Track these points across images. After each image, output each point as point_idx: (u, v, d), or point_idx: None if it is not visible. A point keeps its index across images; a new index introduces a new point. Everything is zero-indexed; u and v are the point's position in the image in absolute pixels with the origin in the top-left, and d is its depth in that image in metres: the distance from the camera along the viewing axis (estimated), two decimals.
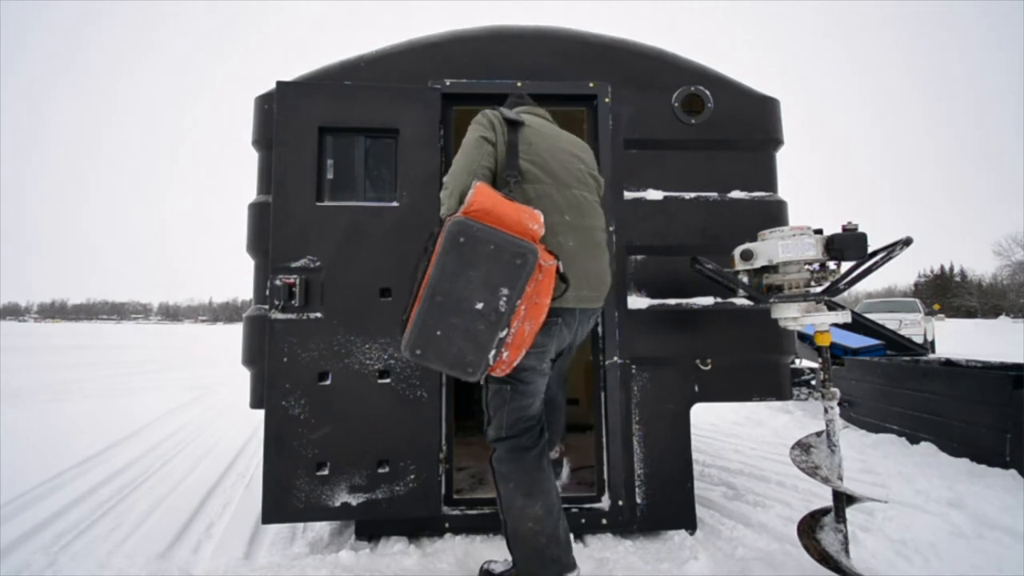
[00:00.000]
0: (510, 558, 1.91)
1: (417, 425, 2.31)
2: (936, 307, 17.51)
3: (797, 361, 6.43)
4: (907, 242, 1.97)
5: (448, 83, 2.55)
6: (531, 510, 1.78)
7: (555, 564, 1.76)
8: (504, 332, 1.55)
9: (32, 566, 2.21)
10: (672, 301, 2.54)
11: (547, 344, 1.80)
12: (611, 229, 2.54)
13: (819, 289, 2.05)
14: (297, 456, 2.23)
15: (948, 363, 4.58)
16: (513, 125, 1.83)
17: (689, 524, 2.48)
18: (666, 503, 2.47)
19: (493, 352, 1.55)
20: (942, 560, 2.16)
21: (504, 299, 1.53)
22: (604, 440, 2.51)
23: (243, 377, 2.65)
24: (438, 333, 1.54)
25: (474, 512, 2.46)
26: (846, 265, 2.07)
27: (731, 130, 2.63)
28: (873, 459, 3.66)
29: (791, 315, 2.04)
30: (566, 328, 1.85)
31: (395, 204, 2.40)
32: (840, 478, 1.97)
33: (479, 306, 1.53)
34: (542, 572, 1.77)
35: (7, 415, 5.46)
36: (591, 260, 1.87)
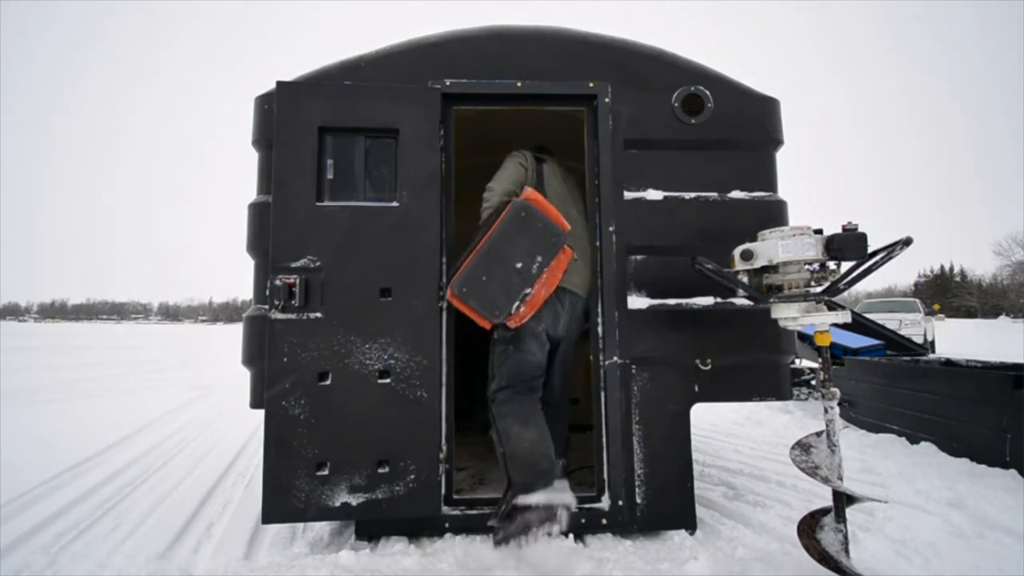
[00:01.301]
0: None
1: (417, 425, 2.31)
2: (936, 307, 17.50)
3: (797, 361, 6.43)
4: (907, 242, 1.97)
5: (448, 83, 2.55)
6: (527, 434, 2.26)
7: (546, 475, 2.20)
8: (529, 289, 2.15)
9: (32, 566, 2.21)
10: (672, 301, 2.54)
11: (543, 311, 2.37)
12: (611, 229, 2.54)
13: (819, 289, 2.05)
14: (297, 456, 2.23)
15: (948, 363, 4.58)
16: (539, 162, 2.63)
17: (689, 524, 2.48)
18: (666, 503, 2.47)
19: (517, 303, 2.14)
20: (942, 560, 2.16)
21: (537, 264, 2.16)
22: (604, 440, 2.51)
23: (243, 377, 2.65)
24: (483, 279, 2.14)
25: (474, 512, 2.46)
26: (846, 265, 2.07)
27: (731, 130, 2.63)
28: (873, 459, 3.66)
29: (791, 315, 2.04)
30: (559, 304, 2.48)
31: (395, 204, 2.39)
32: (840, 478, 1.97)
33: (519, 265, 2.16)
34: (536, 482, 2.18)
35: (7, 415, 5.46)
36: (579, 259, 2.52)
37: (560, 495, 2.13)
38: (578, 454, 3.07)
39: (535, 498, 2.11)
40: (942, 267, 78.26)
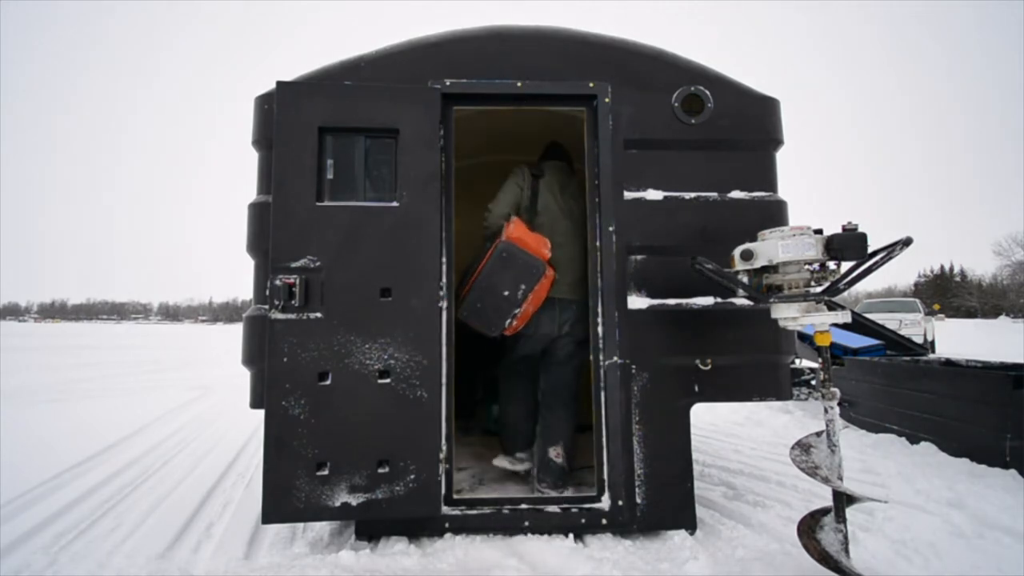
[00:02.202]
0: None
1: (417, 425, 2.31)
2: (936, 307, 17.49)
3: (797, 361, 6.42)
4: (907, 242, 1.97)
5: (448, 83, 2.55)
6: (507, 408, 3.01)
7: (511, 442, 2.91)
8: (518, 310, 2.59)
9: (32, 566, 2.21)
10: (672, 301, 2.54)
11: (534, 321, 2.76)
12: (611, 229, 2.55)
13: (819, 289, 2.05)
14: (297, 456, 2.23)
15: (948, 363, 4.58)
16: (536, 178, 2.91)
17: (689, 524, 2.48)
18: (666, 503, 2.47)
19: (508, 320, 2.59)
20: (942, 560, 2.16)
21: (521, 291, 2.57)
22: (604, 440, 2.51)
23: (243, 377, 2.66)
24: (479, 305, 2.60)
25: (474, 512, 2.46)
26: (846, 265, 2.07)
27: (731, 130, 2.63)
28: (873, 459, 3.66)
29: (791, 315, 2.04)
30: (552, 311, 2.80)
31: (395, 204, 2.40)
32: (840, 478, 1.97)
33: (506, 293, 2.57)
34: (506, 445, 2.94)
35: (7, 415, 5.46)
36: (571, 267, 2.83)
37: (515, 466, 2.87)
38: (578, 454, 3.07)
39: (501, 463, 2.89)
40: (942, 267, 78.20)
